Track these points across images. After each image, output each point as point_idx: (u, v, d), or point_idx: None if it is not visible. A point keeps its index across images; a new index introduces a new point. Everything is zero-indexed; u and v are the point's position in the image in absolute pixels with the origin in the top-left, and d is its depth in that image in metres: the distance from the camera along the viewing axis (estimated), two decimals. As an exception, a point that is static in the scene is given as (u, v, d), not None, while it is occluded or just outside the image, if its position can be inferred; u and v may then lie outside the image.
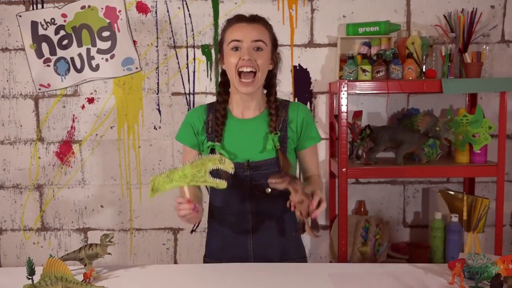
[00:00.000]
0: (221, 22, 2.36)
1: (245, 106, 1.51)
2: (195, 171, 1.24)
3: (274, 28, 1.53)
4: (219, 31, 2.35)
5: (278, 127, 1.47)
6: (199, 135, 1.53)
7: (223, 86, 1.54)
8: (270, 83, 1.53)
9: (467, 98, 2.40)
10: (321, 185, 1.62)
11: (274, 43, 1.52)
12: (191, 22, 2.38)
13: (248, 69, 1.41)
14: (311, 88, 2.41)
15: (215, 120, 1.50)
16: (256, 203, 1.47)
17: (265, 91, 1.56)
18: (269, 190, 1.39)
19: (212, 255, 1.56)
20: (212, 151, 1.46)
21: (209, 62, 2.40)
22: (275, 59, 1.53)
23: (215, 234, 1.55)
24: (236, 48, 1.43)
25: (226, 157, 1.29)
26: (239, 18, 1.48)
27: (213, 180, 1.25)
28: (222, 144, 1.47)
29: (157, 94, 2.42)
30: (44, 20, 2.34)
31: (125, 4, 2.35)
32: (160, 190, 1.26)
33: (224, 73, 1.52)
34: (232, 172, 1.27)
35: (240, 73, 1.42)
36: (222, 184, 1.26)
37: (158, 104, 2.43)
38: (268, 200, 1.45)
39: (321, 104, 2.42)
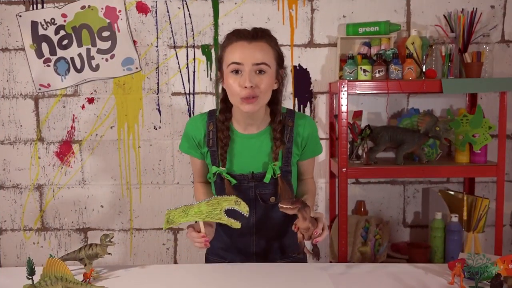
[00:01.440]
0: (221, 22, 2.37)
1: (248, 123, 1.45)
2: (210, 209, 1.28)
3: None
4: (219, 32, 2.37)
5: (285, 138, 1.45)
6: (201, 147, 1.50)
7: (225, 103, 1.45)
8: (274, 100, 1.44)
9: (467, 98, 2.40)
10: (315, 190, 1.61)
11: (279, 61, 1.41)
12: (191, 22, 2.38)
13: (250, 97, 1.33)
14: (311, 88, 2.41)
15: (218, 141, 1.44)
16: (260, 210, 1.48)
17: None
18: (274, 199, 1.45)
19: (215, 253, 1.57)
20: (219, 176, 1.44)
21: (209, 62, 2.40)
22: (280, 78, 1.42)
23: (219, 235, 1.55)
24: (237, 71, 1.34)
25: (241, 201, 1.30)
26: (239, 36, 1.35)
27: (228, 219, 1.29)
28: (227, 167, 1.44)
29: (157, 94, 2.42)
30: (44, 20, 2.34)
31: (125, 4, 2.35)
32: (175, 223, 1.30)
33: (225, 90, 1.43)
34: (247, 215, 1.29)
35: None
36: (236, 224, 1.30)
37: (158, 104, 2.42)
38: (271, 208, 1.47)
39: (321, 104, 2.42)
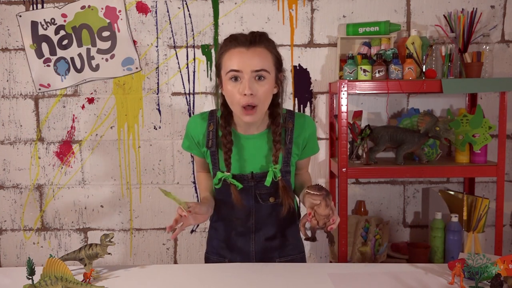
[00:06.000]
0: (221, 22, 2.37)
1: (248, 125, 1.44)
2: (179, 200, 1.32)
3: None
4: (219, 32, 2.37)
5: (286, 139, 1.45)
6: (200, 146, 1.50)
7: (226, 107, 1.43)
8: (274, 103, 1.43)
9: (467, 98, 2.40)
10: (311, 180, 1.64)
11: (278, 65, 1.39)
12: (191, 22, 2.38)
13: (249, 105, 1.32)
14: (311, 88, 2.41)
15: (222, 147, 1.43)
16: (259, 210, 1.48)
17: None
18: (273, 199, 1.47)
19: (215, 252, 1.58)
20: (224, 181, 1.44)
21: (209, 62, 2.40)
22: (279, 82, 1.41)
23: (218, 234, 1.57)
24: (235, 78, 1.33)
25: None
26: (237, 42, 1.33)
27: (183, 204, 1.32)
28: (232, 173, 1.43)
29: (157, 94, 2.42)
30: (44, 20, 2.34)
31: (125, 4, 2.35)
32: (166, 195, 1.33)
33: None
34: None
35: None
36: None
37: (158, 104, 2.43)
38: (271, 207, 1.48)
39: (321, 104, 2.42)
